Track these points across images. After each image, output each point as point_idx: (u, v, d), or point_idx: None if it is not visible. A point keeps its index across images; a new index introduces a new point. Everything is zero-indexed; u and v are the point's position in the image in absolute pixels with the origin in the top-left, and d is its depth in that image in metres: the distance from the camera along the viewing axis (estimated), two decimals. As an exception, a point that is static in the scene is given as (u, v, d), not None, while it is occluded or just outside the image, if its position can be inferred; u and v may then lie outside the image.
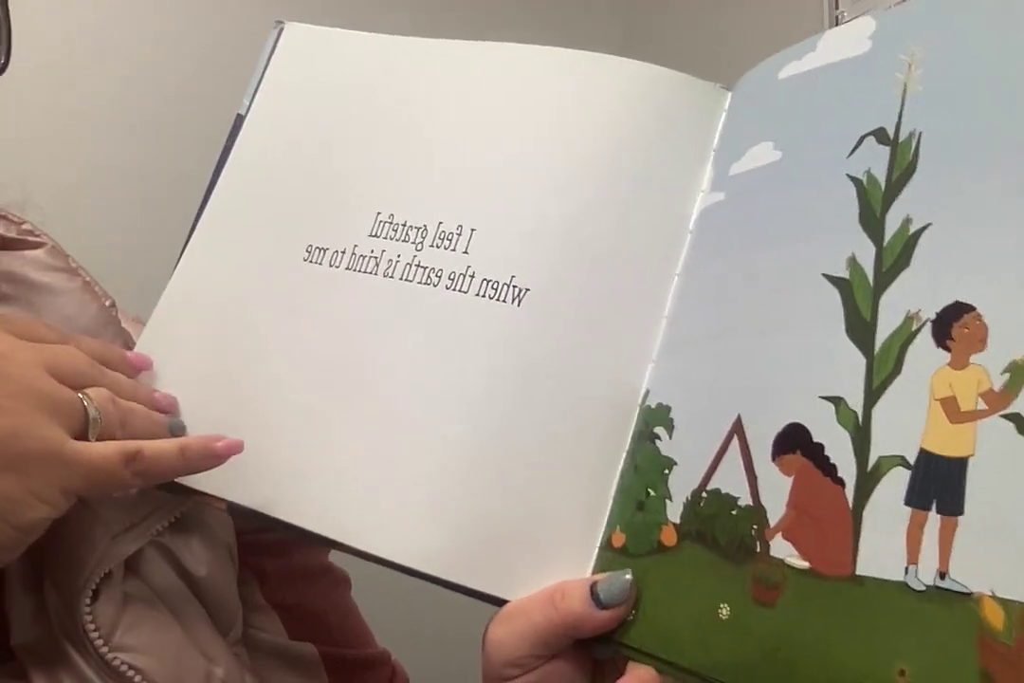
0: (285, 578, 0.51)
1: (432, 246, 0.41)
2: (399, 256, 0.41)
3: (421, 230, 0.41)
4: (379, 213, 0.43)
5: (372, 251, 0.42)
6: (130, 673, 0.39)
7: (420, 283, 0.41)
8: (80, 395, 0.37)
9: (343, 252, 0.43)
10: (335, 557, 0.53)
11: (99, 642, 0.39)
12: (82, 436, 0.36)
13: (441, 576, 0.37)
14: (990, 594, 0.26)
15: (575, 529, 0.38)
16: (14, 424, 0.34)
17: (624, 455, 0.39)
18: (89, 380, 0.38)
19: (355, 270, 0.42)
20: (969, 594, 0.26)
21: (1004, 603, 0.26)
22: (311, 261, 0.44)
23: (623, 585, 0.36)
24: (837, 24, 1.43)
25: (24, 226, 0.49)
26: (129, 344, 0.47)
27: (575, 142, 0.41)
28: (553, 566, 0.38)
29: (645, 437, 0.38)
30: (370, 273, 0.42)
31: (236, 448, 0.40)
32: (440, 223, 0.41)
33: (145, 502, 0.44)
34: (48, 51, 1.39)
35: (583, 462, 0.39)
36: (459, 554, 0.38)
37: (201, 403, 0.44)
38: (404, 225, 0.42)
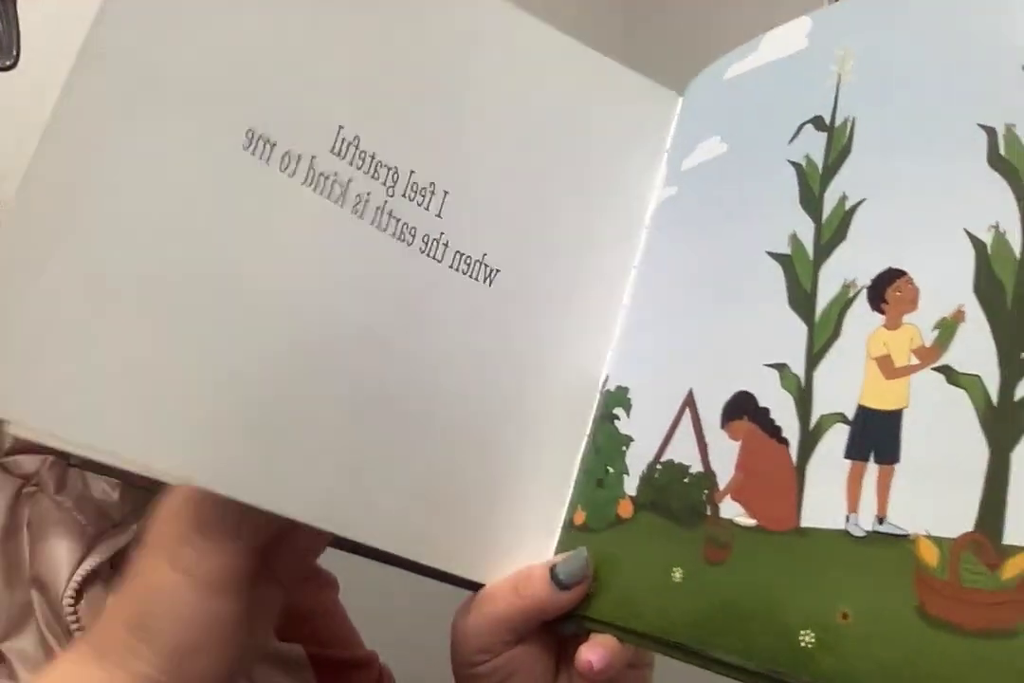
0: None
1: (404, 196, 0.37)
2: (369, 194, 0.37)
3: (392, 172, 0.37)
4: (341, 127, 0.36)
5: (336, 174, 0.36)
6: None
7: (395, 237, 0.37)
8: None
9: (298, 158, 0.35)
10: (323, 559, 0.53)
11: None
12: None
13: (410, 557, 0.37)
14: (925, 534, 0.27)
15: (540, 511, 0.39)
16: None
17: (586, 439, 0.40)
18: None
19: (316, 191, 0.36)
20: (906, 536, 0.28)
21: (937, 541, 0.27)
22: (254, 154, 0.35)
23: (580, 563, 0.36)
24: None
25: None
26: None
27: (546, 133, 0.42)
28: (519, 548, 0.38)
29: (606, 419, 0.39)
30: (336, 203, 0.36)
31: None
32: (412, 172, 0.38)
33: (125, 502, 0.44)
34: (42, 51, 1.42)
35: (547, 446, 0.40)
36: (427, 536, 0.38)
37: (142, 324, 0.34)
38: (372, 157, 0.37)
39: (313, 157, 0.36)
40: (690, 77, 0.43)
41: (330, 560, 0.44)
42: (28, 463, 0.44)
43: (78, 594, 0.40)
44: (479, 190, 0.40)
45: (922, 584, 0.27)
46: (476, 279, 0.39)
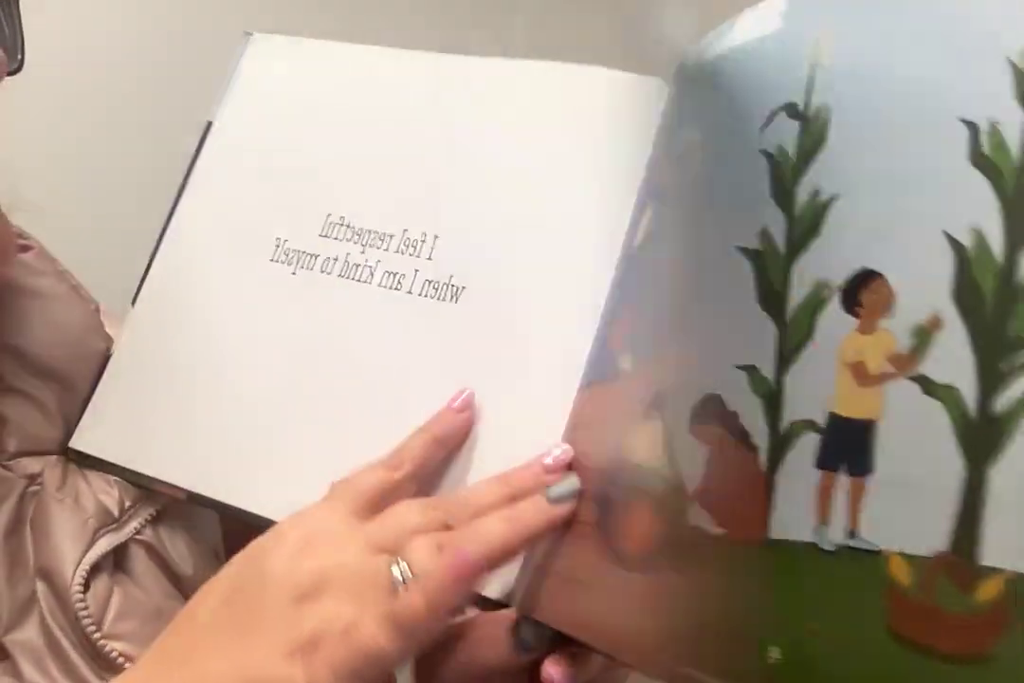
0: None
1: (397, 252, 0.44)
2: (348, 255, 0.45)
3: (377, 234, 0.44)
4: (329, 214, 0.46)
5: (322, 251, 0.45)
6: (120, 660, 0.39)
7: (385, 286, 0.43)
8: (393, 566, 0.34)
9: (299, 251, 0.46)
10: None
11: (92, 629, 0.39)
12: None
13: None
14: (897, 551, 0.26)
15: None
16: (311, 611, 0.33)
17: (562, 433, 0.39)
18: (427, 530, 0.36)
19: (305, 268, 0.45)
20: (878, 551, 0.27)
21: (910, 558, 0.26)
22: (276, 260, 0.46)
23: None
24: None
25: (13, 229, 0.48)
26: (113, 349, 0.48)
27: (527, 147, 0.43)
28: None
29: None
30: (325, 272, 0.45)
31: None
32: (406, 230, 0.44)
33: (123, 499, 0.45)
34: (47, 56, 1.39)
35: (526, 444, 0.39)
36: None
37: (172, 395, 0.46)
38: (352, 227, 0.45)
39: (307, 245, 0.46)
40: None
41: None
42: (32, 465, 0.45)
43: (86, 583, 0.41)
44: (452, 223, 0.43)
45: (893, 603, 0.26)
46: (443, 299, 0.42)
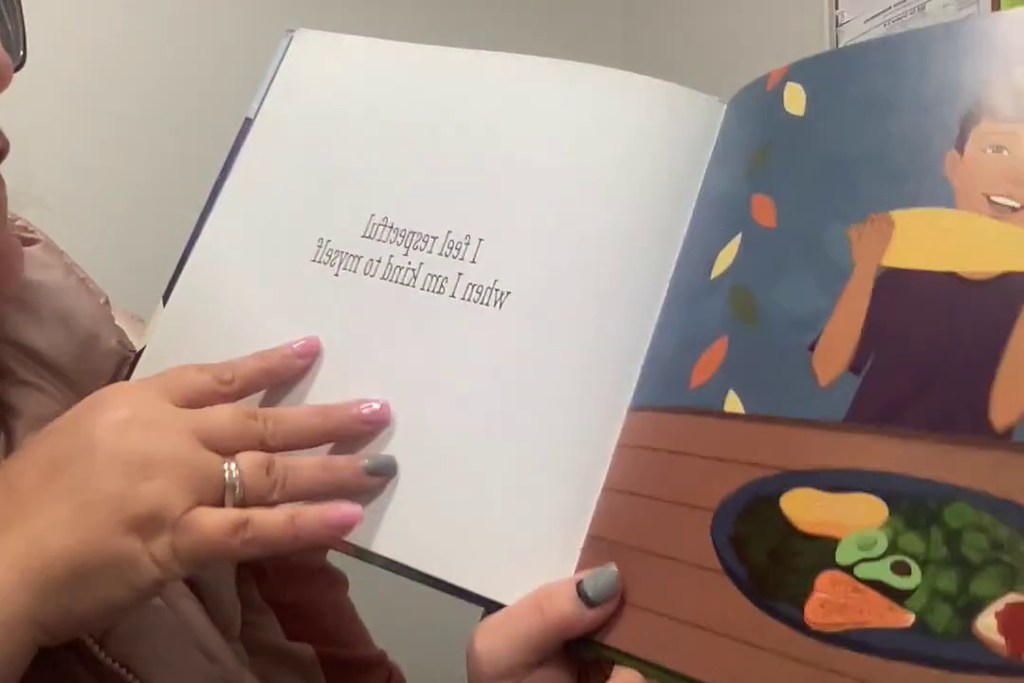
0: (283, 577, 0.51)
1: (440, 254, 0.42)
2: (391, 257, 0.43)
3: (420, 235, 0.43)
4: (373, 215, 0.44)
5: (365, 252, 0.44)
6: (129, 677, 0.38)
7: (428, 290, 0.42)
8: (224, 466, 0.36)
9: (342, 252, 0.44)
10: (332, 557, 0.53)
11: (95, 647, 0.38)
12: (219, 504, 0.36)
13: (424, 571, 0.37)
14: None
15: (560, 528, 0.38)
16: (147, 490, 0.34)
17: (611, 450, 0.38)
18: (240, 442, 0.37)
19: (348, 270, 0.44)
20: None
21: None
22: (318, 261, 0.45)
23: (609, 579, 0.35)
24: (837, 24, 1.44)
25: (18, 222, 0.48)
26: (123, 341, 0.47)
27: (579, 153, 0.42)
28: (539, 565, 0.37)
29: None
30: (368, 274, 0.43)
31: (354, 519, 0.37)
32: (449, 231, 0.42)
33: None
34: (55, 52, 1.40)
35: (571, 462, 0.39)
36: (445, 551, 0.38)
37: None
38: (396, 228, 0.43)
39: (348, 245, 0.44)
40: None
41: (340, 559, 0.44)
42: None
43: None
44: (501, 227, 0.42)
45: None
46: (486, 304, 0.40)
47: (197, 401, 0.38)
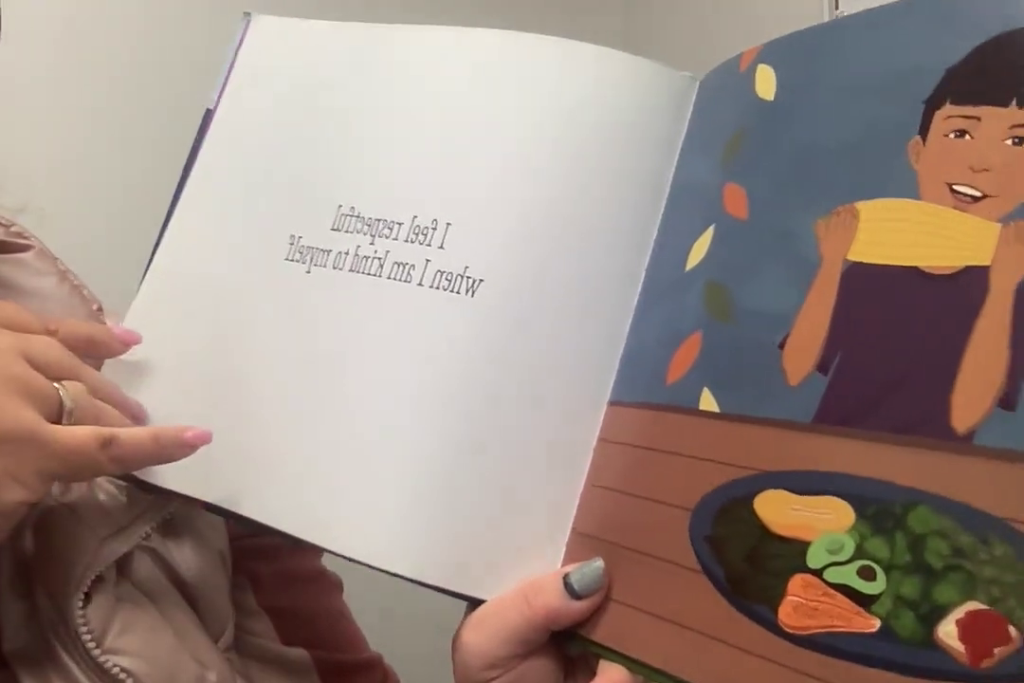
0: (278, 582, 0.52)
1: (406, 241, 0.40)
2: (358, 248, 0.41)
3: (385, 223, 0.41)
4: (340, 206, 0.42)
5: (335, 245, 0.42)
6: (122, 676, 0.39)
7: (395, 279, 0.40)
8: (56, 385, 0.37)
9: (313, 248, 0.42)
10: (328, 561, 0.53)
11: (91, 644, 0.39)
12: (56, 423, 0.36)
13: (403, 573, 0.37)
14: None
15: (545, 524, 0.38)
16: None
17: (593, 445, 0.38)
18: (66, 372, 0.38)
19: (319, 265, 0.42)
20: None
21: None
22: (291, 259, 0.43)
23: (595, 573, 0.36)
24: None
25: (13, 228, 0.48)
26: None
27: (543, 131, 0.40)
28: (524, 561, 0.38)
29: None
30: (337, 268, 0.41)
31: (205, 438, 0.40)
32: (415, 216, 0.40)
33: (132, 506, 0.44)
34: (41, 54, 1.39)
35: (552, 454, 0.38)
36: (426, 552, 0.38)
37: (177, 398, 0.44)
38: (362, 217, 0.41)
39: (318, 240, 0.42)
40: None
41: (334, 563, 0.44)
42: None
43: (87, 597, 0.40)
44: (468, 211, 0.39)
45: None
46: (457, 292, 0.38)
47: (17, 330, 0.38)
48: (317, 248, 0.42)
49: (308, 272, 0.42)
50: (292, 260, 0.43)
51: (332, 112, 0.44)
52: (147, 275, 0.46)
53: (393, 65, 0.43)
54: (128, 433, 0.38)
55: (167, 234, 0.47)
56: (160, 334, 0.45)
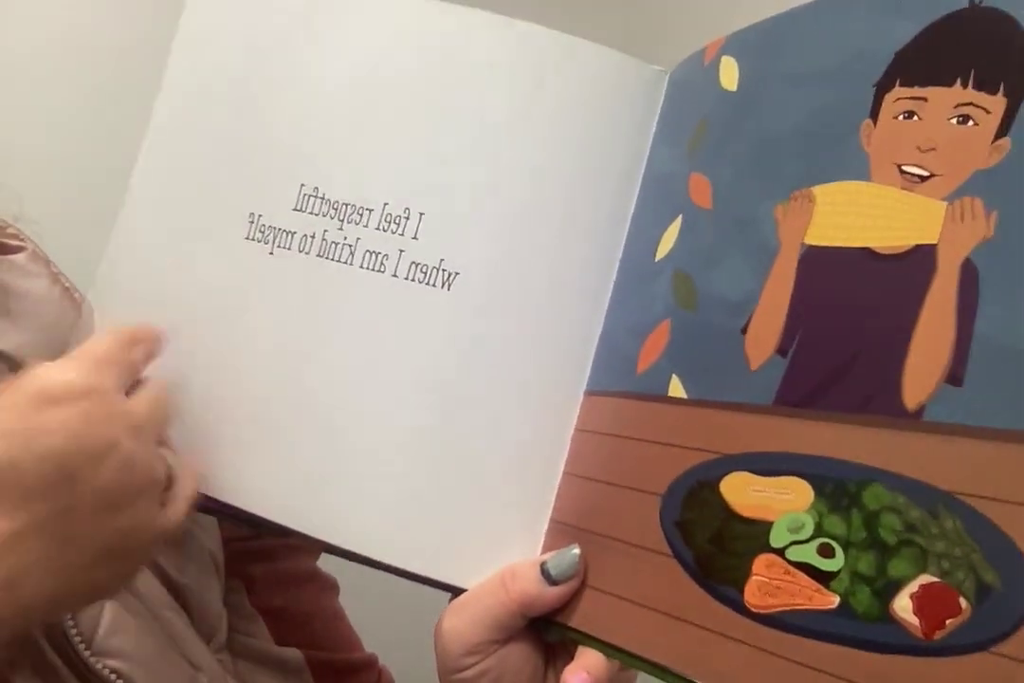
0: (272, 583, 0.52)
1: (378, 228, 0.39)
2: (326, 232, 0.40)
3: (354, 208, 0.39)
4: (303, 185, 0.40)
5: (298, 227, 0.40)
6: (112, 677, 0.40)
7: (368, 268, 0.39)
8: (167, 461, 0.36)
9: (274, 228, 0.41)
10: (322, 562, 0.54)
11: (81, 646, 0.39)
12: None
13: (386, 561, 0.38)
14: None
15: (523, 515, 0.39)
16: (135, 518, 0.34)
17: (570, 435, 0.39)
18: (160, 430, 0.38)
19: (282, 247, 0.40)
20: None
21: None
22: (252, 239, 0.41)
23: (571, 560, 0.36)
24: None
25: (9, 230, 0.49)
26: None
27: (516, 123, 0.39)
28: (503, 550, 0.38)
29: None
30: (303, 251, 0.40)
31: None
32: (386, 204, 0.39)
33: None
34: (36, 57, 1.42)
35: (530, 445, 0.39)
36: (406, 540, 0.38)
37: None
38: (328, 200, 0.40)
39: (276, 219, 0.41)
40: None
41: (329, 563, 0.45)
42: None
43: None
44: (440, 201, 0.39)
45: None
46: (434, 285, 0.38)
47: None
48: (279, 228, 0.40)
49: (271, 253, 0.40)
50: (252, 240, 0.41)
51: (290, 82, 0.41)
52: (105, 256, 0.44)
53: (357, 33, 0.41)
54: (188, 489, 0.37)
55: (121, 217, 0.45)
56: (124, 318, 0.42)
